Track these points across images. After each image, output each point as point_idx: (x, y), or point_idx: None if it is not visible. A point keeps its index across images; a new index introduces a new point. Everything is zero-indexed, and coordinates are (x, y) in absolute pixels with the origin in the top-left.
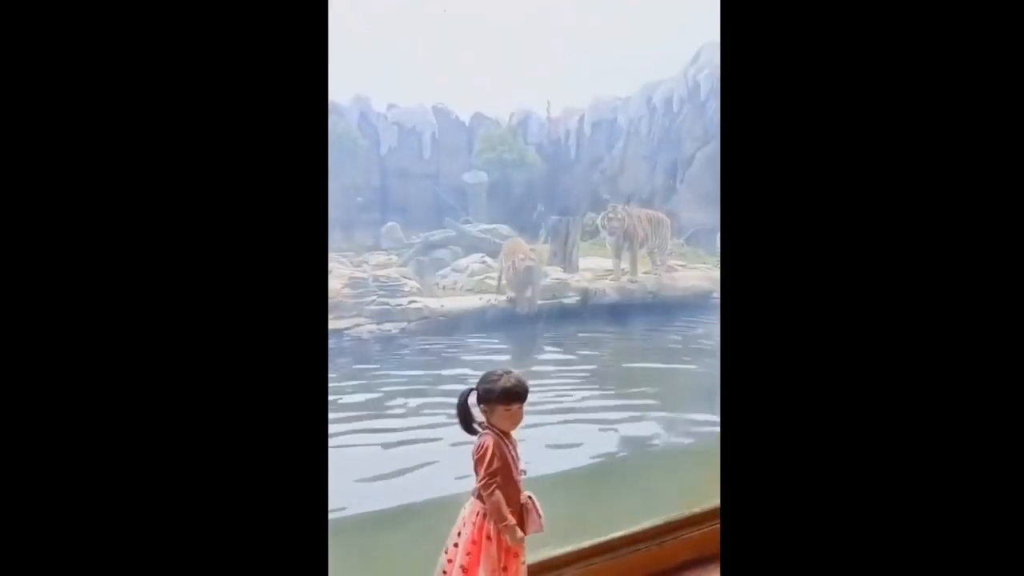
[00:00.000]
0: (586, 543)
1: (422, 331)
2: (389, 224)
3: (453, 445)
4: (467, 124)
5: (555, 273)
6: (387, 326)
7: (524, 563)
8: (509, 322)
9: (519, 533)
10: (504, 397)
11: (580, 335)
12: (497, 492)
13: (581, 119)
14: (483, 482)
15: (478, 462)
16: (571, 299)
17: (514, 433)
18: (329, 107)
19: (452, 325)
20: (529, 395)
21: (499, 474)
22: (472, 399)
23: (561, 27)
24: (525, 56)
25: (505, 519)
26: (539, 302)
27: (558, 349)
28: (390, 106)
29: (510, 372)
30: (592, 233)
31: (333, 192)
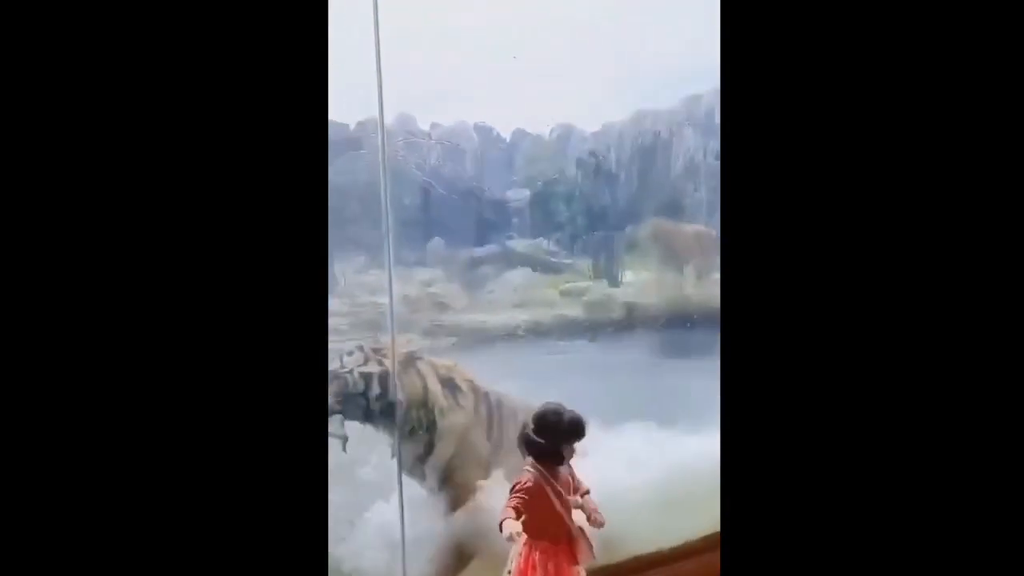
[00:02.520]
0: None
1: (470, 346)
2: (434, 240)
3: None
4: (508, 140)
5: (600, 288)
6: (441, 341)
7: None
8: (557, 336)
9: (512, 530)
10: (561, 436)
11: (627, 351)
12: (506, 509)
13: (621, 132)
14: (503, 510)
15: (511, 488)
16: (617, 314)
17: (573, 461)
18: (377, 126)
19: (499, 340)
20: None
21: (522, 503)
22: (532, 430)
23: (598, 39)
24: (564, 70)
25: (500, 522)
26: (584, 317)
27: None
28: (433, 125)
29: (572, 412)
30: (634, 247)
31: (379, 210)
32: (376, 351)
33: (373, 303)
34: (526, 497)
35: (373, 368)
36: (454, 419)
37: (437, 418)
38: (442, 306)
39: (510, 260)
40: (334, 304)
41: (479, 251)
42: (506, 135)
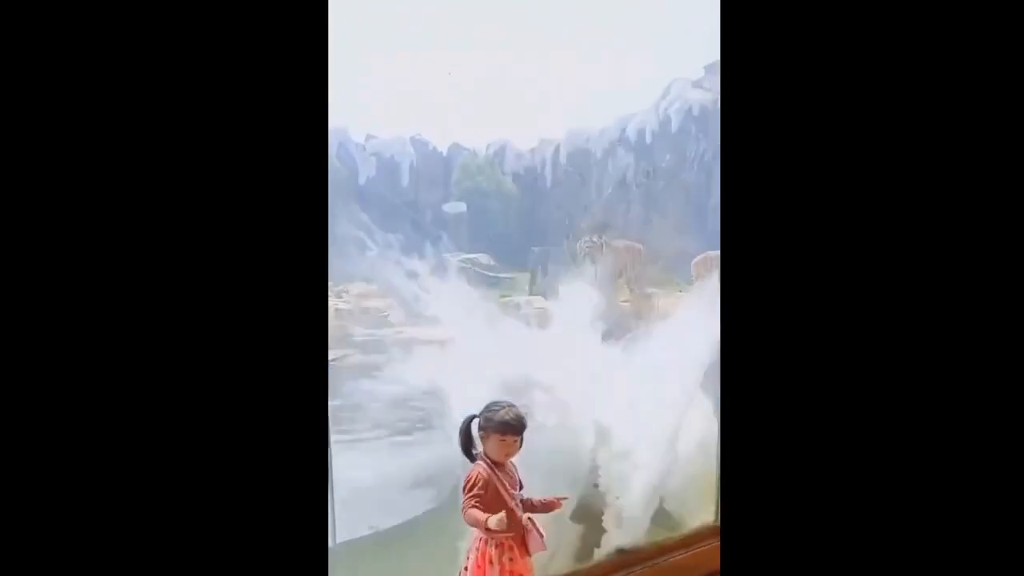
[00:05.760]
0: (584, 564)
1: (408, 361)
2: (369, 254)
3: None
4: (444, 155)
5: (537, 302)
6: (373, 357)
7: None
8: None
9: (498, 517)
10: (500, 428)
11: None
12: (471, 510)
13: (556, 150)
14: (462, 505)
15: (463, 488)
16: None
17: (514, 460)
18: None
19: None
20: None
21: (479, 500)
22: (475, 426)
23: (535, 60)
24: (500, 87)
25: (480, 521)
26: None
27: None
28: (368, 137)
29: (513, 406)
30: (570, 261)
31: None
32: None
33: None
34: (482, 493)
35: None
36: None
37: None
38: (379, 321)
39: (446, 274)
40: None
41: (415, 264)
42: (442, 149)
